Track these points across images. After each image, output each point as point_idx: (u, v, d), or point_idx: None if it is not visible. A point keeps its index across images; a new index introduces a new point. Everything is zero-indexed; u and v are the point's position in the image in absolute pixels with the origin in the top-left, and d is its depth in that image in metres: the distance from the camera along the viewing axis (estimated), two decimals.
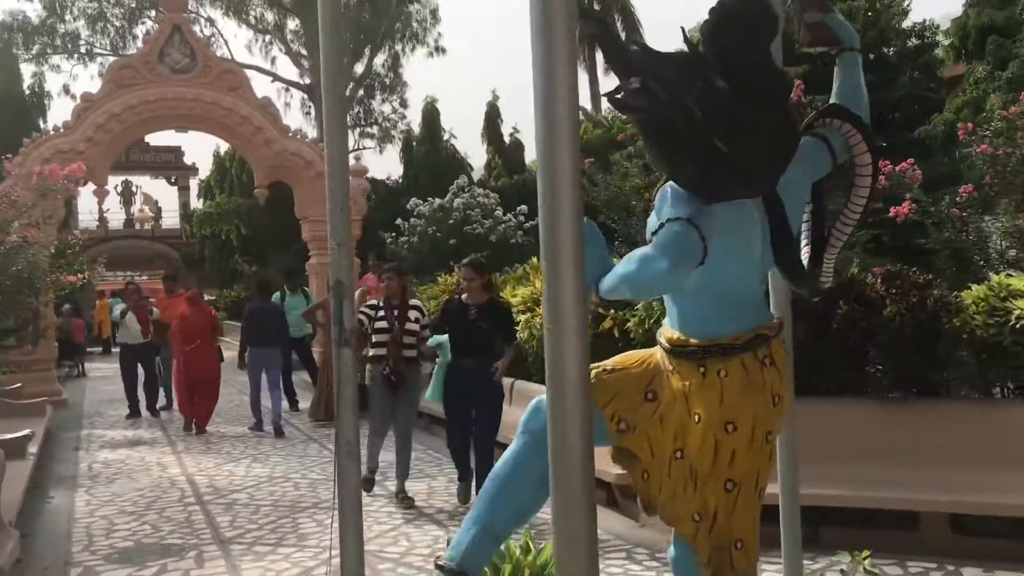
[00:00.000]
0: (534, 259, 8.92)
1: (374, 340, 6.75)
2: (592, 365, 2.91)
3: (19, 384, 10.87)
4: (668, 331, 2.53)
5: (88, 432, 10.74)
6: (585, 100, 34.53)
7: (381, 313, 6.79)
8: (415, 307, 7.02)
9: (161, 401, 12.18)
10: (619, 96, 2.27)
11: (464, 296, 6.33)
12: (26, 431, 7.83)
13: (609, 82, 37.55)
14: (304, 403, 12.06)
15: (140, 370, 11.89)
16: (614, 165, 8.09)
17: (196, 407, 10.49)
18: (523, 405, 7.30)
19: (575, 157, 1.43)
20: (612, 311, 6.73)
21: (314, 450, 9.09)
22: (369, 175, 17.23)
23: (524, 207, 14.28)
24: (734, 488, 2.37)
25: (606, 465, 6.37)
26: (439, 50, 30.20)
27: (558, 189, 1.40)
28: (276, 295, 11.74)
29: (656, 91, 2.16)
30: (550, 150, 1.41)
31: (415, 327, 6.80)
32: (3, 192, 5.61)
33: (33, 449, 7.87)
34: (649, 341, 6.60)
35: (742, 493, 2.38)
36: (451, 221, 13.79)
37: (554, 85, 1.40)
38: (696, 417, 2.37)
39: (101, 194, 13.93)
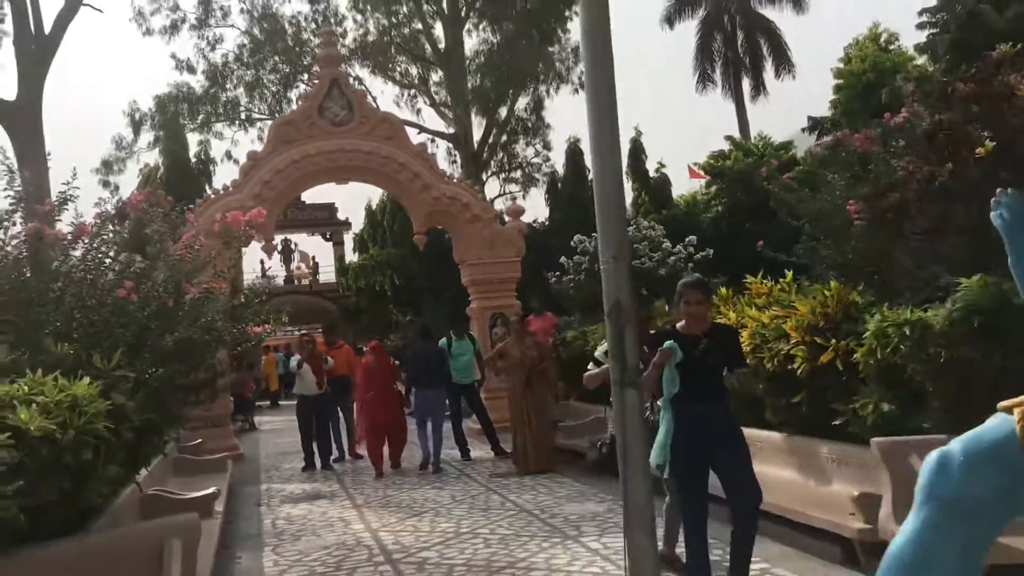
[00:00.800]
0: (722, 290, 8.19)
1: None
2: (1008, 402, 2.17)
3: (200, 440, 10.95)
4: None
5: (267, 487, 10.66)
6: (733, 128, 33.49)
7: None
8: None
9: (334, 453, 12.07)
10: None
11: (679, 325, 5.19)
12: (212, 488, 7.69)
13: (755, 109, 36.22)
14: (475, 451, 11.65)
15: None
16: (818, 177, 7.27)
17: (391, 449, 11.08)
18: (761, 461, 6.57)
19: None
20: (834, 340, 5.95)
21: (496, 502, 8.58)
22: None
23: (693, 237, 13.56)
24: None
25: (842, 518, 5.59)
26: (584, 87, 29.96)
27: None
28: (443, 341, 11.48)
29: None
30: None
31: None
32: (187, 242, 5.48)
33: (219, 507, 7.73)
34: (885, 375, 5.80)
35: None
36: None
37: None
38: None
39: (269, 249, 14.20)
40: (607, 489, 8.79)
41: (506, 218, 14.93)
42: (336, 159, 14.12)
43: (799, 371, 6.20)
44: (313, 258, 36.43)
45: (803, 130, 27.14)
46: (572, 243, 14.49)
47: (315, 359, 11.51)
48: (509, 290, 14.50)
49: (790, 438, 6.90)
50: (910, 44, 25.00)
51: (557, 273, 14.29)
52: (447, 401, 11.42)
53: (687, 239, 13.66)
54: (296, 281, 35.66)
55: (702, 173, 28.91)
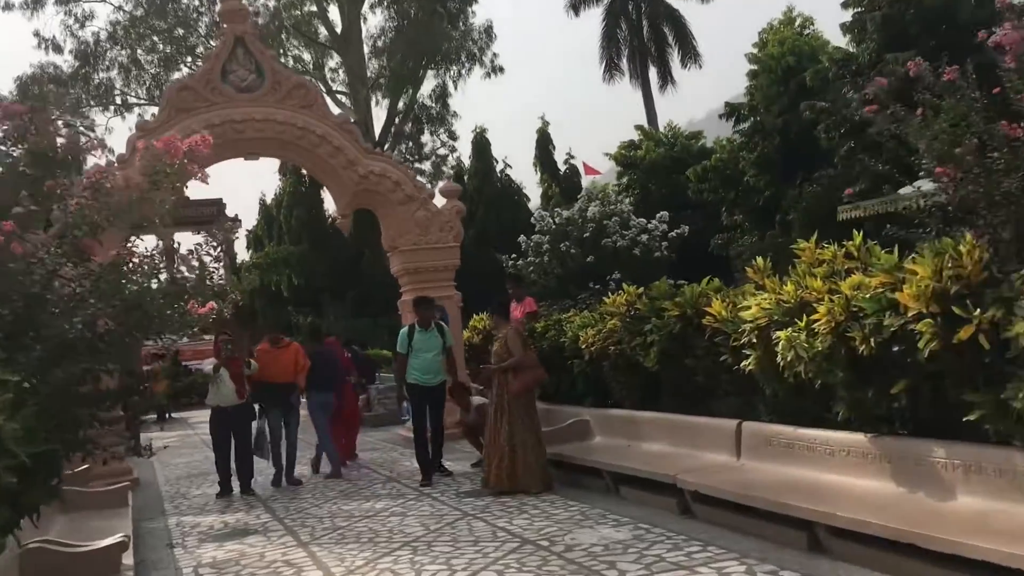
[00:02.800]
0: (759, 259, 6.77)
1: None
2: None
3: (86, 466, 8.80)
4: None
5: (176, 520, 8.64)
6: (641, 118, 32.64)
7: None
8: None
9: (256, 476, 10.02)
10: None
11: None
12: (119, 536, 5.75)
13: (663, 100, 35.57)
14: (409, 461, 9.85)
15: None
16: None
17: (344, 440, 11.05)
18: (830, 469, 5.09)
19: None
20: (978, 311, 4.55)
21: (483, 531, 6.88)
22: None
23: (665, 213, 12.20)
24: None
25: (1015, 546, 4.16)
26: (496, 70, 28.47)
27: None
28: (404, 331, 9.57)
29: None
30: None
31: None
32: (95, 180, 3.63)
33: (128, 560, 5.77)
34: None
35: None
36: (585, 234, 11.64)
37: None
38: None
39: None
40: (611, 508, 7.26)
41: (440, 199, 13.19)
42: (243, 130, 12.05)
43: (923, 352, 4.76)
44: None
45: (720, 116, 26.40)
46: (532, 220, 12.88)
47: (234, 362, 9.49)
48: (447, 279, 12.79)
49: (879, 439, 5.51)
50: (824, 27, 24.60)
51: (513, 256, 12.62)
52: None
53: (659, 214, 12.26)
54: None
55: (596, 169, 28.15)
